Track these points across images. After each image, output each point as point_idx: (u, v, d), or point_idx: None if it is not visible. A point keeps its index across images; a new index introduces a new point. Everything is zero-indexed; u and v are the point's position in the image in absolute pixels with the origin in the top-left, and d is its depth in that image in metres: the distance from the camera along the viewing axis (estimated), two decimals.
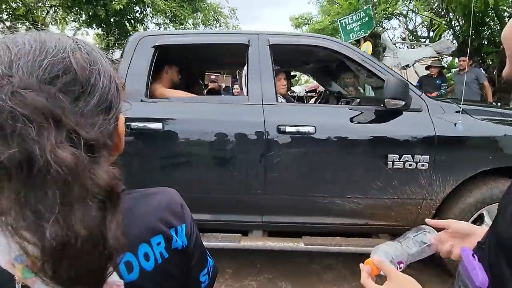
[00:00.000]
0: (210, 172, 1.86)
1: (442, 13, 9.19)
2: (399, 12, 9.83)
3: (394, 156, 1.74)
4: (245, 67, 2.06)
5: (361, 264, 0.61)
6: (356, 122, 1.84)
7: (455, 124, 1.72)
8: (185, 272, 0.48)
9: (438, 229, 0.70)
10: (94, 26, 9.35)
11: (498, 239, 0.44)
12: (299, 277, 2.09)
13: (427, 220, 0.73)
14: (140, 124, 1.81)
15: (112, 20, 9.35)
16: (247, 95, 1.91)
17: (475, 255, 0.49)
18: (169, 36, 2.06)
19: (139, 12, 10.05)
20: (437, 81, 5.23)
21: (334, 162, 1.83)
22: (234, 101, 2.04)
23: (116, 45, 10.46)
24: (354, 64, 1.98)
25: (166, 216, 0.45)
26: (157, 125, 1.81)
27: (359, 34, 6.41)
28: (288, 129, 1.79)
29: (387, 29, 10.99)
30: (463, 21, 8.46)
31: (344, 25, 6.92)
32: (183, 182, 1.89)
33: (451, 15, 8.82)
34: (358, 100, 2.33)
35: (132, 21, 10.03)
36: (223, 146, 1.84)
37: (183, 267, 0.48)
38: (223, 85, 11.88)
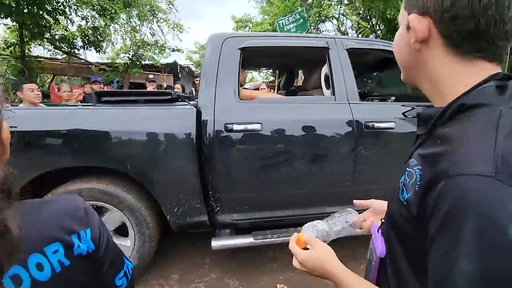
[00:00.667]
0: (306, 168, 1.93)
1: (368, 18, 10.49)
2: (332, 16, 10.83)
3: None
4: (325, 68, 2.18)
5: (293, 234, 0.69)
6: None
7: None
8: (95, 277, 0.48)
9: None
10: (2, 16, 7.74)
11: (389, 216, 0.53)
12: (246, 271, 2.15)
13: (354, 201, 0.79)
14: (241, 126, 1.79)
15: (26, 10, 7.90)
16: (333, 95, 2.01)
17: (379, 229, 0.58)
18: (253, 38, 2.02)
19: (61, 3, 8.73)
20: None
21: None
22: (322, 101, 2.11)
23: (34, 39, 8.90)
24: None
25: (66, 222, 0.44)
26: (257, 126, 1.81)
27: None
28: (375, 125, 1.97)
29: (323, 31, 12.00)
30: (383, 26, 9.85)
31: (281, 25, 7.26)
32: (281, 180, 1.92)
33: (373, 20, 10.16)
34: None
35: (53, 13, 8.65)
36: (318, 144, 1.93)
37: (93, 272, 0.47)
38: (165, 85, 11.27)
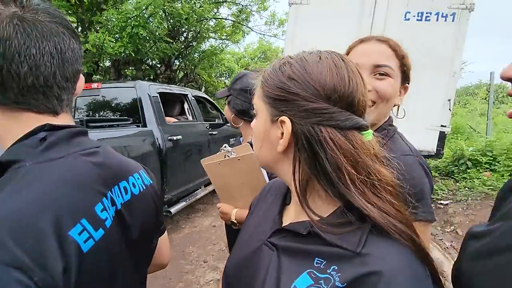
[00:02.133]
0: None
1: None
2: None
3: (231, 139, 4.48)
4: (185, 104, 4.14)
5: None
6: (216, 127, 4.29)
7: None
8: None
9: None
10: None
11: None
12: None
13: None
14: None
15: None
16: (194, 118, 4.02)
17: None
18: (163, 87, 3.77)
19: None
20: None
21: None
22: (193, 120, 4.06)
23: None
24: (208, 103, 4.75)
25: None
26: (179, 137, 3.25)
27: None
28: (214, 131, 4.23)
29: None
30: None
31: None
32: None
33: None
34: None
35: None
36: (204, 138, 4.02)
37: None
38: None
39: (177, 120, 3.78)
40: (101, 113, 3.51)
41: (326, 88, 0.42)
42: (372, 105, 0.76)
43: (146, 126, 2.94)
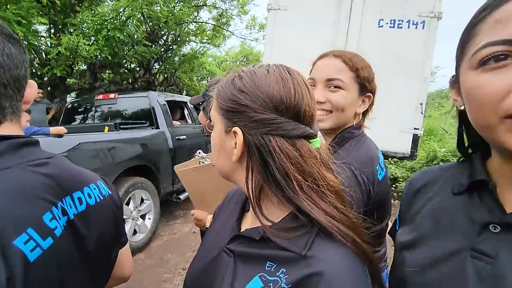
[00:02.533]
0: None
1: None
2: None
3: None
4: (185, 110, 4.71)
5: None
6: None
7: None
8: None
9: None
10: None
11: None
12: None
13: None
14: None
15: None
16: (193, 122, 3.94)
17: None
18: (169, 96, 4.23)
19: None
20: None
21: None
22: (193, 124, 4.15)
23: None
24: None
25: None
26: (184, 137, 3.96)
27: None
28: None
29: None
30: None
31: None
32: None
33: None
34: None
35: None
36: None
37: None
38: None
39: (180, 123, 4.37)
40: (121, 118, 4.14)
41: (273, 100, 0.45)
42: (328, 114, 0.83)
43: (159, 128, 3.65)
